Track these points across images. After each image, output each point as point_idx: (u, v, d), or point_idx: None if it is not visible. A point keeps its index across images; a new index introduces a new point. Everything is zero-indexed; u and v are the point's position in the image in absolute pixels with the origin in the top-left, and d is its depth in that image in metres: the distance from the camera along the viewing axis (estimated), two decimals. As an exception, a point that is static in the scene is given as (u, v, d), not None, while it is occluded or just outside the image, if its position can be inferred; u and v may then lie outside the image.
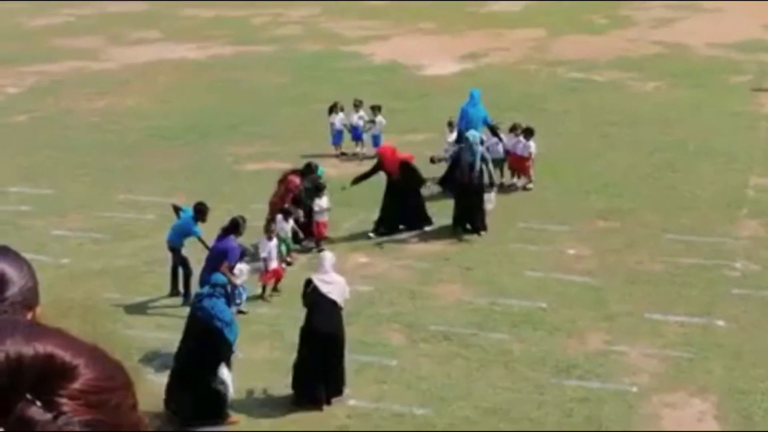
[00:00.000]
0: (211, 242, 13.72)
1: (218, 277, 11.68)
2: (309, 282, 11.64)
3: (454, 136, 18.96)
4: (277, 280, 14.49)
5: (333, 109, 20.66)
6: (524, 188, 18.69)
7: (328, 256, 12.12)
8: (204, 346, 11.06)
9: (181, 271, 14.30)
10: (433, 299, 14.31)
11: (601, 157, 20.10)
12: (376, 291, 14.55)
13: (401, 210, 16.68)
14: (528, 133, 18.73)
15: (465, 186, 16.49)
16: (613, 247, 15.89)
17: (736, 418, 10.97)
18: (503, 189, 18.63)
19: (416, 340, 13.08)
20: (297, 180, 16.07)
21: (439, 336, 13.12)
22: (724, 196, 17.70)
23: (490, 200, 16.70)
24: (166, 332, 13.34)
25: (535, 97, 24.73)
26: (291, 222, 15.28)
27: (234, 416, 11.28)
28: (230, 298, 11.69)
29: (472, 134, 16.70)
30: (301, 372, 11.45)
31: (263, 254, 14.41)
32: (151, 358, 12.68)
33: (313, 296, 11.52)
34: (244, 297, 13.47)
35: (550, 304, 13.98)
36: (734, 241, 15.79)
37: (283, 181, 16.14)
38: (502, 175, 19.01)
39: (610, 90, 25.32)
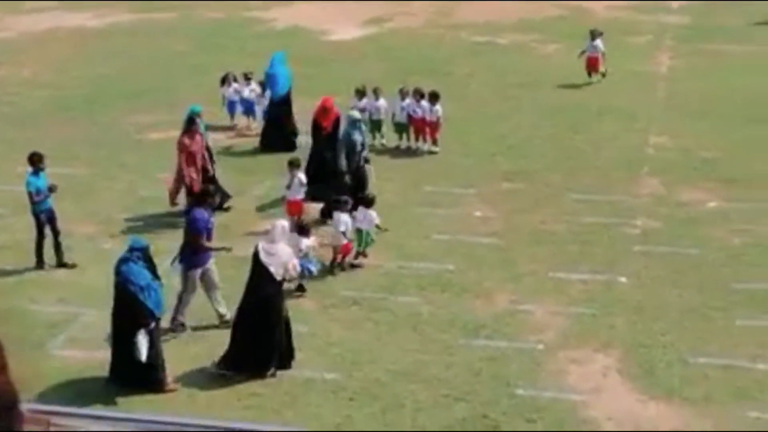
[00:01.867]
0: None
1: (136, 241, 11.48)
2: (255, 248, 11.50)
3: (407, 101, 18.90)
4: (343, 257, 14.06)
5: (225, 80, 20.29)
6: (429, 152, 18.78)
7: (280, 225, 11.66)
8: (124, 311, 11.00)
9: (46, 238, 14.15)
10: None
11: (505, 120, 20.30)
12: (285, 258, 14.51)
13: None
14: (433, 97, 18.80)
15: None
16: (518, 208, 16.11)
17: (639, 372, 11.26)
18: (409, 153, 18.70)
19: (326, 305, 13.09)
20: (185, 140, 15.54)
21: (348, 301, 13.15)
22: (625, 156, 18.06)
23: (371, 171, 16.50)
24: (70, 306, 13.11)
25: (439, 61, 24.82)
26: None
27: (171, 384, 11.18)
28: (152, 264, 11.34)
29: (354, 114, 16.46)
30: (232, 340, 11.42)
31: (342, 228, 13.89)
32: (55, 333, 12.44)
33: (253, 263, 11.42)
34: (314, 270, 13.19)
35: (458, 266, 14.13)
36: (635, 199, 16.14)
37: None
38: (408, 138, 19.08)
39: (513, 52, 25.56)
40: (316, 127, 16.57)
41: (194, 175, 15.32)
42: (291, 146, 18.44)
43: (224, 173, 16.58)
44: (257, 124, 19.86)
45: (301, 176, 15.44)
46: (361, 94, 19.09)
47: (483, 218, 15.86)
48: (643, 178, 17.11)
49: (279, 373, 11.44)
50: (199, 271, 12.33)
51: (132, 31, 28.44)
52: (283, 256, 11.31)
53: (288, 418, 10.56)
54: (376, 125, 19.12)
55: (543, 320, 12.58)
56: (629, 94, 21.67)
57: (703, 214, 15.59)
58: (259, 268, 11.28)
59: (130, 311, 10.94)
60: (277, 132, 18.82)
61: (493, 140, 19.21)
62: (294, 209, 15.26)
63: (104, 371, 11.33)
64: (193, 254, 12.31)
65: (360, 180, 15.83)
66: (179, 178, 15.51)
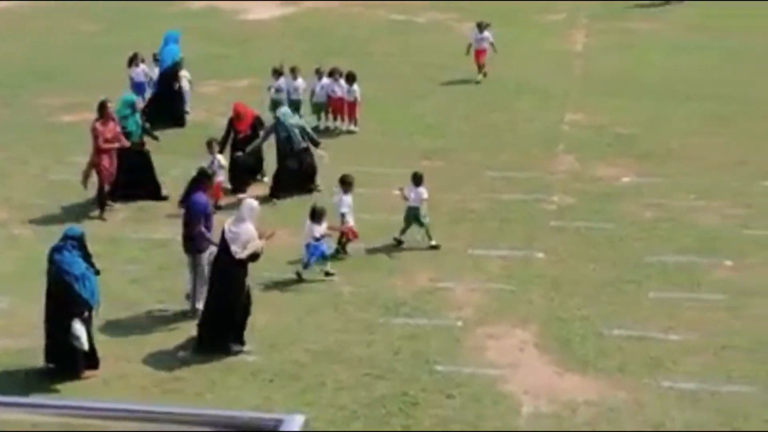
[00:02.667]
0: None
1: (71, 230, 11.27)
2: (224, 225, 11.50)
3: (325, 81, 18.79)
4: (347, 240, 13.82)
5: (132, 60, 19.95)
6: (348, 132, 18.76)
7: (248, 204, 11.61)
8: (58, 299, 10.82)
9: None
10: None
11: (423, 99, 20.37)
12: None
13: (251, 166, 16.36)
14: (350, 77, 18.77)
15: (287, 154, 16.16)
16: (437, 186, 16.13)
17: (555, 345, 11.44)
18: (328, 133, 18.66)
19: (246, 287, 13.01)
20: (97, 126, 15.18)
21: (269, 283, 13.09)
22: (541, 133, 18.27)
23: (323, 156, 16.47)
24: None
25: (358, 40, 24.78)
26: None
27: (88, 372, 11.01)
28: (87, 252, 11.10)
29: (283, 112, 16.38)
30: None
31: (343, 209, 13.69)
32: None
33: (220, 240, 11.41)
34: (327, 255, 13.04)
35: (378, 245, 14.15)
36: (551, 176, 16.35)
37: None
38: (327, 118, 19.03)
39: (431, 31, 25.64)
40: (233, 131, 16.39)
41: (106, 164, 14.91)
42: (180, 122, 18.50)
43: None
44: None
45: (220, 158, 15.30)
46: (278, 73, 18.97)
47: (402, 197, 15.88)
48: (559, 154, 17.34)
49: (198, 358, 11.35)
50: (206, 255, 12.07)
51: (42, 12, 27.78)
52: (244, 235, 11.27)
53: (208, 401, 10.50)
54: (294, 105, 19.02)
55: (462, 297, 12.70)
56: (545, 72, 21.91)
57: (617, 190, 15.86)
58: (223, 245, 11.32)
59: (64, 300, 10.77)
60: (163, 108, 18.62)
61: (411, 119, 19.27)
62: (213, 192, 15.12)
63: (27, 359, 11.14)
64: (199, 238, 12.01)
65: (302, 163, 15.89)
66: (93, 165, 15.13)
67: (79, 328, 10.73)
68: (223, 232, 11.39)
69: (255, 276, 13.15)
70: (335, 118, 19.04)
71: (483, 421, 10.17)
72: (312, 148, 16.13)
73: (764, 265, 13.16)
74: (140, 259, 13.78)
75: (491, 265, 13.56)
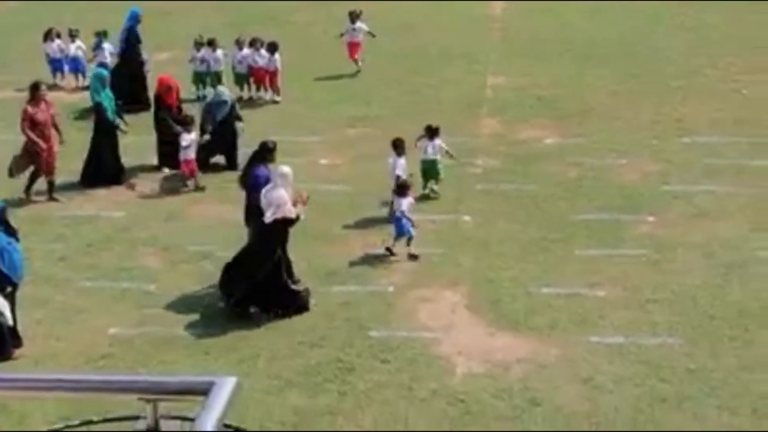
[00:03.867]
0: None
1: None
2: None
3: (245, 51, 18.71)
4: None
5: (47, 36, 19.54)
6: (272, 102, 18.70)
7: (280, 170, 11.47)
8: None
9: None
10: (190, 220, 14.21)
11: (347, 67, 20.34)
12: (130, 216, 14.28)
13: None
14: (271, 46, 18.69)
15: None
16: (364, 154, 16.26)
17: (486, 306, 11.63)
18: (250, 103, 18.57)
19: (175, 262, 12.96)
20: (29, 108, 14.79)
21: (198, 256, 13.05)
22: (465, 97, 18.43)
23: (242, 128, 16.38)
24: None
25: (279, 9, 24.61)
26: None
27: (16, 351, 10.84)
28: (9, 226, 10.87)
29: (219, 91, 16.19)
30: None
31: (398, 171, 13.60)
32: None
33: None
34: (412, 232, 12.80)
35: (308, 214, 14.14)
36: (476, 140, 16.52)
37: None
38: (249, 89, 18.94)
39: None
40: (160, 105, 16.15)
41: (43, 145, 14.49)
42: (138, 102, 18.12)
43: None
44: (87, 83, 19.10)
45: (193, 135, 15.19)
46: (199, 45, 18.81)
47: (330, 165, 15.95)
48: (482, 118, 17.52)
49: (129, 333, 11.30)
50: None
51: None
52: (276, 200, 11.25)
53: (143, 376, 10.46)
54: (216, 77, 18.89)
55: (393, 263, 12.80)
56: (466, 37, 22.06)
57: (540, 151, 16.10)
58: (258, 211, 11.37)
59: None
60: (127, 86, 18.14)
61: (335, 88, 19.26)
62: (187, 168, 15.12)
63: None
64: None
65: (225, 137, 15.79)
66: (28, 151, 14.48)
67: (1, 303, 10.56)
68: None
69: (180, 249, 13.15)
70: (258, 89, 18.96)
71: (418, 383, 10.33)
72: (236, 123, 16.02)
73: (683, 220, 13.52)
74: (67, 237, 13.61)
75: (421, 229, 13.65)
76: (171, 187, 15.30)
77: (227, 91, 16.25)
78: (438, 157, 14.35)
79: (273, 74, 18.72)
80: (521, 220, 13.74)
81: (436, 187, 14.48)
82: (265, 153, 12.16)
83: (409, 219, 12.82)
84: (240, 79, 19.01)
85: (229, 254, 12.99)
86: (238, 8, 24.59)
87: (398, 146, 13.92)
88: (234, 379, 3.01)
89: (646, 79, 19.01)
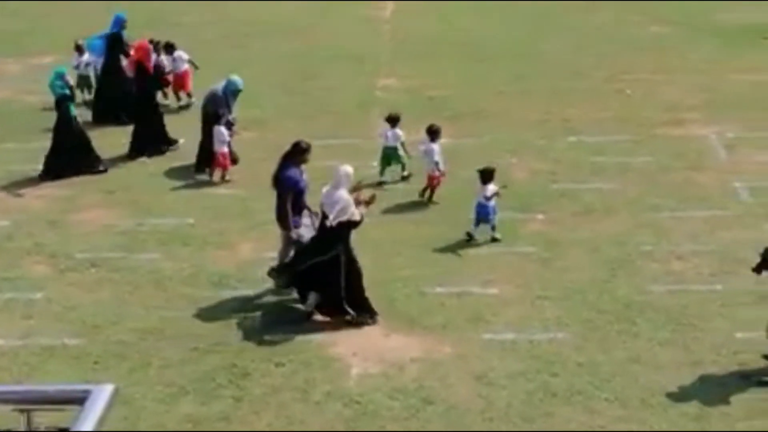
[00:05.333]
0: None
1: None
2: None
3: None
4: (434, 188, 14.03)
5: None
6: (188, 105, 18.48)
7: (342, 170, 11.23)
8: None
9: None
10: (76, 227, 13.87)
11: (236, 69, 20.01)
12: (14, 224, 13.87)
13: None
14: (169, 47, 18.45)
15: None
16: (255, 157, 16.10)
17: (380, 306, 11.59)
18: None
19: (62, 269, 12.64)
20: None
21: (85, 263, 12.75)
22: (356, 99, 18.45)
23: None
24: None
25: (168, 11, 24.26)
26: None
27: None
28: None
29: (234, 80, 15.86)
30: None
31: (436, 157, 14.19)
32: None
33: (320, 207, 11.28)
34: (494, 220, 13.04)
35: (198, 219, 14.01)
36: (368, 141, 16.51)
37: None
38: (166, 96, 18.62)
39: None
40: (144, 71, 16.30)
41: None
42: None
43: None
44: None
45: (222, 128, 15.09)
46: (81, 49, 18.42)
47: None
48: (374, 120, 17.54)
49: (14, 344, 10.96)
50: (302, 229, 11.65)
51: None
52: (338, 202, 10.98)
53: (29, 389, 10.15)
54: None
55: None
56: (356, 38, 22.11)
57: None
58: (322, 212, 11.21)
59: None
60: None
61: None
62: (223, 160, 15.13)
63: None
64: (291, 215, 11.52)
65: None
66: None
67: None
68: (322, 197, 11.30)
69: (66, 256, 12.81)
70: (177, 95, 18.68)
71: (313, 386, 10.28)
72: None
73: (571, 217, 13.79)
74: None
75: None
76: (57, 195, 14.90)
77: (240, 79, 15.93)
78: (398, 144, 14.87)
79: (183, 76, 18.42)
80: (415, 220, 13.81)
81: (405, 173, 15.01)
82: (297, 154, 11.76)
83: (491, 203, 13.04)
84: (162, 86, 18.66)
85: (115, 258, 12.76)
86: (125, 10, 24.11)
87: (433, 132, 14.32)
88: (111, 387, 2.92)
89: (533, 80, 19.36)
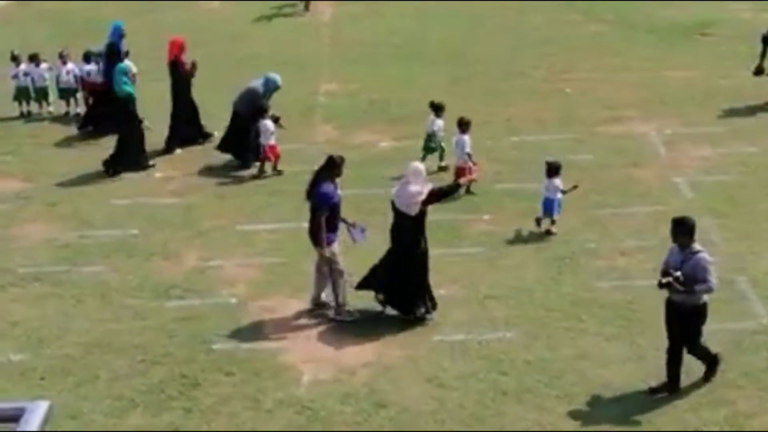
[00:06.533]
0: None
1: None
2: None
3: (70, 65, 18.08)
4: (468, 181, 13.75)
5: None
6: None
7: (414, 167, 11.26)
8: None
9: None
10: (17, 241, 13.66)
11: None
12: (-47, 240, 13.63)
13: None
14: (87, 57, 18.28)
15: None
16: (199, 166, 16.05)
17: (330, 311, 11.62)
18: (79, 119, 18.04)
19: (4, 285, 12.44)
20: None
21: (28, 278, 12.57)
22: (299, 104, 18.38)
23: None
24: None
25: (103, 21, 23.89)
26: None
27: None
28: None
29: (274, 78, 16.20)
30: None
31: (468, 149, 14.59)
32: None
33: (392, 205, 11.33)
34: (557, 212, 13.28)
35: (142, 229, 13.88)
36: (312, 146, 16.51)
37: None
38: (77, 104, 18.39)
39: (179, 8, 25.15)
40: (177, 67, 16.59)
41: None
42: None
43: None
44: None
45: (267, 122, 15.41)
46: (17, 59, 18.17)
47: (164, 179, 15.67)
48: (317, 125, 17.55)
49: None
50: (335, 246, 11.38)
51: None
52: (409, 195, 11.03)
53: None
54: (41, 93, 18.31)
55: (234, 274, 12.66)
56: (297, 44, 22.06)
57: (376, 155, 16.25)
58: (394, 210, 11.24)
59: None
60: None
61: (163, 100, 18.84)
62: (272, 153, 15.52)
63: None
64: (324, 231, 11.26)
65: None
66: None
67: None
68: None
69: (8, 271, 12.62)
70: (86, 104, 18.41)
71: (264, 394, 10.24)
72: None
73: (517, 216, 13.89)
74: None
75: (260, 239, 13.60)
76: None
77: (279, 76, 16.24)
78: (433, 131, 15.30)
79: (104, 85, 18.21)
80: (362, 223, 13.77)
81: (443, 163, 15.38)
82: (332, 168, 11.53)
83: (558, 196, 13.29)
84: (67, 94, 18.43)
85: (58, 271, 12.59)
86: (60, 22, 23.86)
87: (464, 124, 14.71)
88: (46, 404, 2.86)
89: (474, 81, 19.47)
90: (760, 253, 12.66)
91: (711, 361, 10.12)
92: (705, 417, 9.69)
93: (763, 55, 17.56)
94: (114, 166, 15.72)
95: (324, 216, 11.21)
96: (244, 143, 15.87)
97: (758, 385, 10.13)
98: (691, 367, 10.29)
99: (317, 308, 11.71)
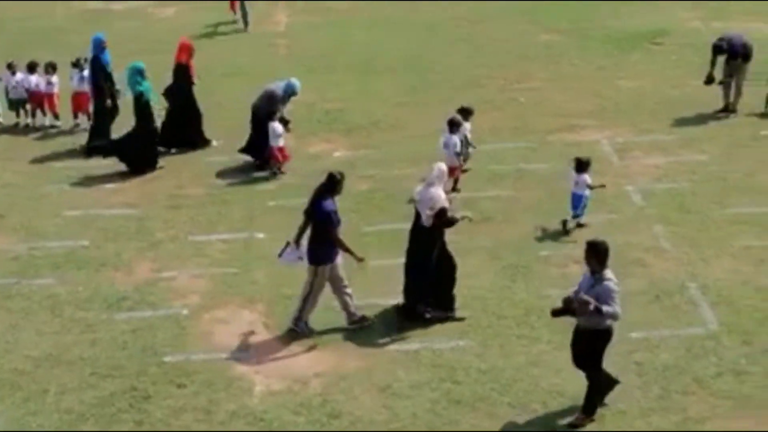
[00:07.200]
0: None
1: None
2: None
3: (20, 76, 17.94)
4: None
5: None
6: (52, 126, 18.10)
7: (437, 168, 11.40)
8: None
9: None
10: (-36, 254, 13.45)
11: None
12: None
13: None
14: (50, 68, 18.16)
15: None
16: (151, 176, 15.94)
17: (283, 323, 11.55)
18: (27, 131, 17.93)
19: (-50, 299, 12.23)
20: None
21: (-25, 291, 12.37)
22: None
23: None
24: None
25: (53, 31, 23.78)
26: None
27: None
28: None
29: (293, 83, 16.27)
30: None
31: (457, 149, 14.76)
32: None
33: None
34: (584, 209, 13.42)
35: (93, 240, 13.74)
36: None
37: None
38: (27, 114, 18.21)
39: (130, 18, 25.04)
40: (184, 70, 16.85)
41: None
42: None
43: None
44: None
45: (276, 125, 15.71)
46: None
47: (116, 189, 15.54)
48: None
49: None
50: (329, 267, 11.14)
51: None
52: (429, 200, 11.10)
53: None
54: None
55: (186, 285, 12.56)
56: (252, 54, 22.01)
57: (331, 164, 16.13)
58: (415, 212, 11.36)
59: None
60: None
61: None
62: (281, 155, 15.71)
63: None
64: (323, 248, 11.10)
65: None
66: None
67: None
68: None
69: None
70: (34, 114, 18.25)
71: (216, 405, 10.15)
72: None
73: (471, 225, 13.67)
74: None
75: (212, 249, 13.51)
76: None
77: (299, 82, 16.35)
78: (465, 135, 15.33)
79: (51, 97, 18.06)
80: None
81: (465, 166, 15.49)
82: (333, 185, 11.43)
83: (585, 192, 13.45)
84: (16, 105, 18.26)
85: (6, 284, 12.43)
86: (8, 32, 23.60)
87: (453, 124, 14.82)
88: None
89: (428, 91, 19.51)
90: (710, 260, 12.79)
91: (605, 388, 9.78)
92: (655, 423, 9.76)
93: (713, 64, 17.77)
94: (129, 161, 15.99)
95: (336, 230, 11.24)
96: (264, 144, 15.96)
97: (708, 390, 10.21)
98: (645, 369, 10.37)
99: (354, 324, 11.49)
